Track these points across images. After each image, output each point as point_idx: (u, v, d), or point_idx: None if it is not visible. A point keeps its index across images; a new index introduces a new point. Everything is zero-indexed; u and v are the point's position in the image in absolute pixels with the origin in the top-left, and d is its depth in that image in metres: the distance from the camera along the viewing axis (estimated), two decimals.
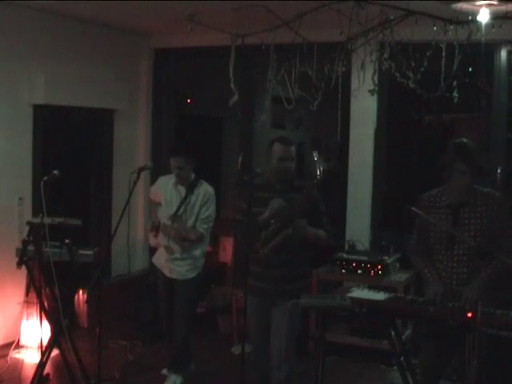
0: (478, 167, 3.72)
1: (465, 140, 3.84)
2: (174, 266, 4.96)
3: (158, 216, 5.06)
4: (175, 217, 4.88)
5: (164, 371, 5.13)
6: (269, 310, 4.19)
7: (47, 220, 4.29)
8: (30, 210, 5.82)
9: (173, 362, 5.07)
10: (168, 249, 4.96)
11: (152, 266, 5.30)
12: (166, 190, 5.01)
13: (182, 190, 4.95)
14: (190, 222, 4.90)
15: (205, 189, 4.96)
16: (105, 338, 4.51)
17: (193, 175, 4.98)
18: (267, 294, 4.17)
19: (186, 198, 4.91)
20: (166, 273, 5.01)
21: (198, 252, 4.97)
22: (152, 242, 5.17)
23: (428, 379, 3.99)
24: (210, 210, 4.93)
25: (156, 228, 5.02)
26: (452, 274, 3.80)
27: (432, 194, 3.93)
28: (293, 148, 4.17)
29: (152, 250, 5.43)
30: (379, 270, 5.60)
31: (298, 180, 4.29)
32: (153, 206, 5.20)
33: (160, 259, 5.06)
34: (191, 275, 4.96)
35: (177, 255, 4.93)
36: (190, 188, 4.93)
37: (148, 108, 7.30)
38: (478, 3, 4.15)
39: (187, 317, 5.02)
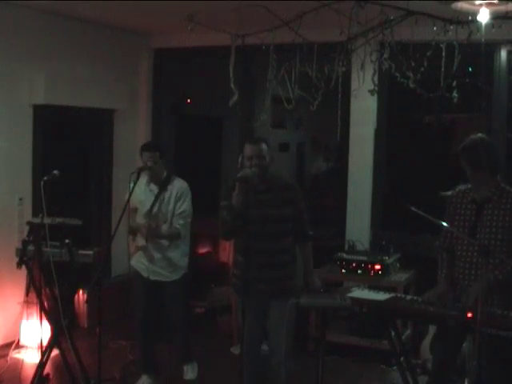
0: (475, 163, 3.73)
1: (470, 137, 3.87)
2: (156, 268, 4.85)
3: (136, 220, 4.89)
4: (150, 214, 4.78)
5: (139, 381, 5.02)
6: (263, 311, 4.17)
7: (47, 220, 4.30)
8: (30, 210, 5.82)
9: (182, 355, 5.15)
10: (146, 250, 4.83)
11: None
12: (140, 192, 4.86)
13: (155, 188, 4.86)
14: (167, 219, 4.80)
15: (178, 184, 4.86)
16: (105, 338, 4.51)
17: (165, 173, 4.88)
18: (260, 295, 4.14)
19: (159, 194, 4.82)
20: (148, 275, 4.87)
21: (177, 252, 4.87)
22: (131, 248, 4.94)
23: (437, 380, 4.01)
24: (185, 205, 4.82)
25: (133, 230, 4.85)
26: (471, 270, 3.78)
27: (462, 189, 3.95)
28: (261, 146, 4.13)
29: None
30: (379, 270, 5.60)
31: (285, 179, 4.32)
32: (131, 213, 4.83)
33: (140, 262, 4.92)
34: (176, 277, 4.88)
35: (156, 256, 4.82)
36: (163, 185, 4.83)
37: (148, 108, 7.30)
38: (477, 3, 4.15)
39: (181, 316, 5.01)
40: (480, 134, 3.94)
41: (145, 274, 4.91)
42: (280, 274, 4.18)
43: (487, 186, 3.77)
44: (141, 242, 4.86)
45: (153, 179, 4.85)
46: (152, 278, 4.88)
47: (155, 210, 4.80)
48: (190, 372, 5.16)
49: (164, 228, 4.79)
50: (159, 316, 5.10)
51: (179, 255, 4.89)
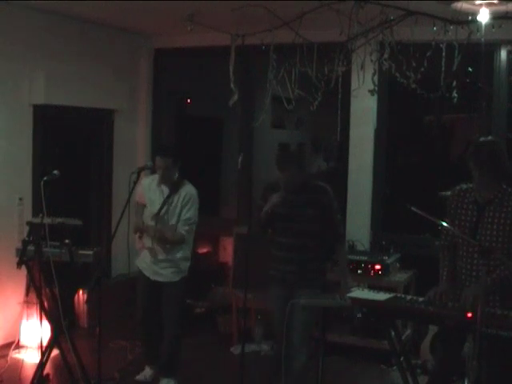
0: (478, 166, 3.72)
1: (481, 139, 3.85)
2: (157, 268, 4.88)
3: (144, 218, 4.95)
4: (158, 216, 4.82)
5: (139, 376, 5.07)
6: (288, 301, 4.16)
7: (47, 220, 4.30)
8: (30, 210, 5.82)
9: (164, 365, 4.98)
10: (152, 251, 4.88)
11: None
12: (150, 189, 4.93)
13: (166, 189, 4.87)
14: (173, 223, 4.82)
15: (187, 189, 4.87)
16: (105, 338, 4.51)
17: (177, 175, 4.90)
18: (288, 280, 4.36)
19: (168, 197, 4.84)
20: (149, 275, 4.93)
21: (179, 255, 4.87)
22: (137, 245, 5.06)
23: (437, 380, 4.01)
24: (191, 212, 4.83)
25: (140, 230, 4.91)
26: (472, 272, 3.78)
27: (463, 188, 3.92)
28: (288, 154, 4.41)
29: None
30: (379, 270, 5.60)
31: (311, 180, 4.44)
32: (139, 208, 5.00)
33: (144, 261, 4.97)
34: (175, 279, 4.88)
35: (160, 257, 4.86)
36: (174, 188, 4.86)
37: (148, 108, 7.30)
38: (477, 3, 4.16)
39: (176, 320, 4.95)
40: (490, 137, 3.92)
41: (147, 274, 4.95)
42: (301, 269, 4.35)
43: (490, 189, 3.77)
44: (147, 243, 4.90)
45: (164, 180, 4.86)
46: (153, 278, 4.91)
47: (163, 212, 4.82)
48: None
49: (169, 233, 4.80)
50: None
51: (182, 258, 4.90)
